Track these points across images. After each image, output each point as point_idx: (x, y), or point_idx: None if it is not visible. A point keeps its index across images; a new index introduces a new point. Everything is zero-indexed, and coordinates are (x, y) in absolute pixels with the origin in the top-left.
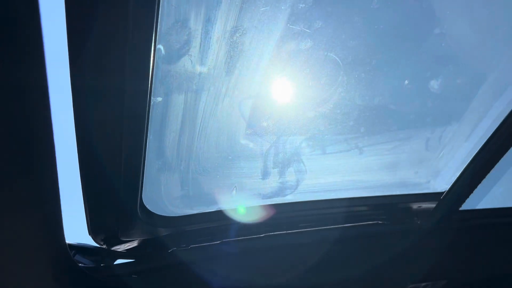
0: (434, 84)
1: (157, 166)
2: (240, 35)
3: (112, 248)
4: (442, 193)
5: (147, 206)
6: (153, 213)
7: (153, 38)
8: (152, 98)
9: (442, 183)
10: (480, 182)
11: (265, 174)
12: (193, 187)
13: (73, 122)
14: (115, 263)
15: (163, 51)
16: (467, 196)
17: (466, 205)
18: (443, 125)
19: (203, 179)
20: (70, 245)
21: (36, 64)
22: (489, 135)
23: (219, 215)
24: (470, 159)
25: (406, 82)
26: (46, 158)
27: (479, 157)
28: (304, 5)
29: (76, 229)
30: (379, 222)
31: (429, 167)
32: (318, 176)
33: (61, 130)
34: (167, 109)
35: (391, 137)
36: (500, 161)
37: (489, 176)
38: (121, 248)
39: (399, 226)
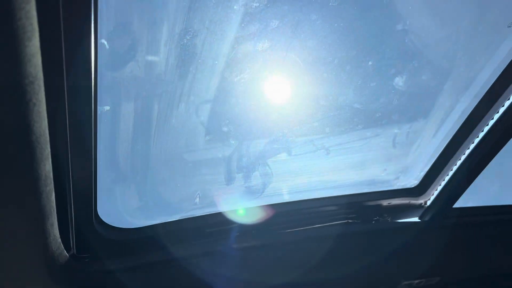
0: (399, 81)
1: (112, 178)
2: (190, 37)
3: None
4: (411, 188)
5: (103, 219)
6: (111, 225)
7: (93, 43)
8: (98, 107)
9: (411, 179)
10: (474, 180)
11: (229, 180)
12: (152, 197)
13: None
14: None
15: (106, 58)
16: (461, 194)
17: (460, 203)
18: (410, 122)
19: (163, 189)
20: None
21: None
22: (456, 129)
23: (183, 224)
24: (466, 156)
25: (370, 80)
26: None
27: (473, 155)
28: (258, 4)
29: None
30: (349, 221)
31: (398, 164)
32: (285, 179)
33: None
34: (116, 118)
35: (357, 136)
36: (494, 159)
37: (482, 174)
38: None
39: (381, 224)
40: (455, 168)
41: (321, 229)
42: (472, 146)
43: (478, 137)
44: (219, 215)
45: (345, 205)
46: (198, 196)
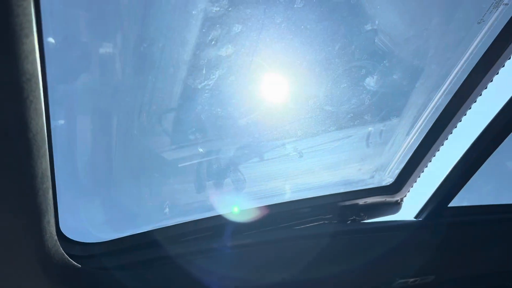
0: (370, 82)
1: (73, 192)
2: (147, 45)
3: None
4: (386, 186)
5: (66, 234)
6: (74, 241)
7: (38, 55)
8: (51, 121)
9: (386, 177)
10: (469, 179)
11: (200, 188)
12: (119, 210)
13: None
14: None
15: (55, 69)
16: (456, 193)
17: (455, 202)
18: (383, 121)
19: (129, 201)
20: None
21: None
22: (430, 126)
23: (152, 235)
24: (461, 156)
25: (341, 81)
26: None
27: (468, 155)
28: (218, 8)
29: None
30: (325, 222)
31: (372, 163)
32: (258, 184)
33: None
34: (73, 131)
35: (330, 138)
36: (489, 159)
37: (478, 173)
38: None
39: (375, 223)
40: (448, 168)
41: (304, 230)
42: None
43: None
44: (192, 223)
45: (321, 206)
46: (167, 206)
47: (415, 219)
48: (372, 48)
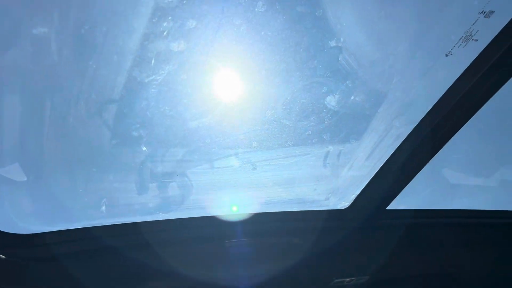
0: (331, 100)
1: None
2: (89, 28)
3: None
4: (341, 211)
5: None
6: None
7: None
8: None
9: (342, 201)
10: (407, 184)
11: (141, 189)
12: (50, 202)
13: None
14: None
15: None
16: (394, 197)
17: (394, 205)
18: (342, 143)
19: (62, 193)
20: None
21: None
22: (390, 154)
23: (83, 233)
24: (401, 162)
25: (301, 96)
26: None
27: (408, 162)
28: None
29: None
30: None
31: (328, 185)
32: (206, 192)
33: None
34: None
35: (286, 153)
36: (429, 163)
37: (416, 179)
38: None
39: (314, 223)
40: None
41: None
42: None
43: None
44: (130, 227)
45: (271, 222)
46: (104, 204)
47: (353, 221)
48: (336, 66)
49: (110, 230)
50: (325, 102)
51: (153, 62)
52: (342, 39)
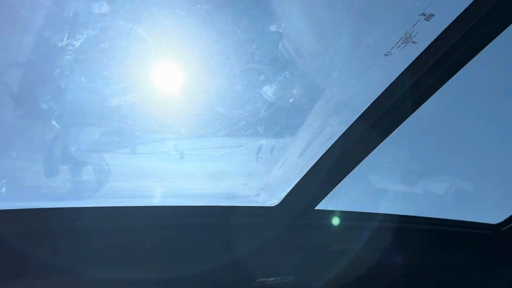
0: (268, 91)
1: None
2: None
3: None
4: (271, 208)
5: None
6: None
7: None
8: None
9: (272, 198)
10: (337, 184)
11: (50, 171)
12: None
13: None
14: None
15: None
16: (324, 196)
17: (322, 205)
18: (276, 138)
19: None
20: None
21: None
22: (323, 153)
23: None
24: (331, 162)
25: (236, 82)
26: None
27: (338, 163)
28: None
29: None
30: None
31: (259, 180)
32: (127, 179)
33: None
34: None
35: (218, 143)
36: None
37: (347, 179)
38: None
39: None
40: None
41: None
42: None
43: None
44: (35, 212)
45: (196, 216)
46: (4, 185)
47: (282, 219)
48: (275, 54)
49: (9, 216)
50: (262, 92)
51: (68, 23)
52: (283, 25)
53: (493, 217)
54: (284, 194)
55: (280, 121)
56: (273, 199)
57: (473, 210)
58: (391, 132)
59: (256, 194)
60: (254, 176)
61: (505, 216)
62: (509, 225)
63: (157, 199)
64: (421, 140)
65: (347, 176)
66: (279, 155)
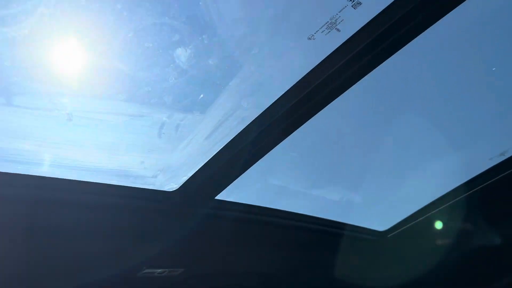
0: (182, 55)
1: None
2: None
3: None
4: (168, 193)
5: None
6: None
7: None
8: None
9: (171, 182)
10: (241, 174)
11: None
12: None
13: None
14: None
15: None
16: (226, 186)
17: (223, 196)
18: (184, 113)
19: None
20: None
21: None
22: (230, 139)
23: None
24: (236, 151)
25: (145, 38)
26: None
27: (250, 146)
28: None
29: None
30: None
31: (159, 159)
32: None
33: None
34: None
35: (116, 109)
36: (264, 157)
37: (251, 170)
38: None
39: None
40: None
41: None
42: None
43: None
44: None
45: (78, 194)
46: None
47: (179, 206)
48: (194, 11)
49: None
50: (174, 55)
51: None
52: None
53: (383, 224)
54: (185, 178)
55: (190, 94)
56: (172, 183)
57: (364, 216)
58: (302, 125)
59: (154, 175)
60: (154, 154)
61: (392, 223)
62: (394, 232)
63: (33, 167)
64: (330, 138)
65: (252, 167)
66: (185, 134)
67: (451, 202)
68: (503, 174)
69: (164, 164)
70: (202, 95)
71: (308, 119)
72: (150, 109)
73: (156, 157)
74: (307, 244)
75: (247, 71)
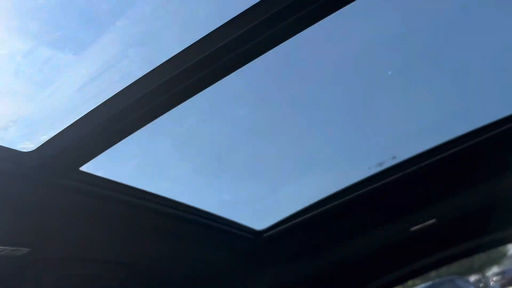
0: None
1: None
2: None
3: None
4: (20, 152)
5: None
6: None
7: None
8: None
9: (27, 140)
10: (114, 145)
11: None
12: None
13: None
14: None
15: None
16: (94, 156)
17: (90, 168)
18: (54, 48)
19: None
20: None
21: None
22: (108, 97)
23: None
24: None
25: None
26: None
27: (128, 109)
28: None
29: None
30: None
31: (13, 106)
32: None
33: None
34: None
35: None
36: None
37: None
38: None
39: None
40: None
41: None
42: None
43: None
44: None
45: None
46: None
47: (33, 171)
48: None
49: None
50: None
51: None
52: None
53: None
54: (44, 138)
55: (65, 24)
56: (26, 142)
57: (245, 214)
58: (198, 93)
59: (4, 127)
60: (6, 98)
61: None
62: (270, 232)
63: None
64: (226, 119)
65: (130, 137)
66: (51, 78)
67: (326, 207)
68: (377, 184)
69: (19, 114)
70: (80, 30)
71: (206, 87)
72: (7, 34)
73: (9, 102)
74: (177, 233)
75: (140, 12)
